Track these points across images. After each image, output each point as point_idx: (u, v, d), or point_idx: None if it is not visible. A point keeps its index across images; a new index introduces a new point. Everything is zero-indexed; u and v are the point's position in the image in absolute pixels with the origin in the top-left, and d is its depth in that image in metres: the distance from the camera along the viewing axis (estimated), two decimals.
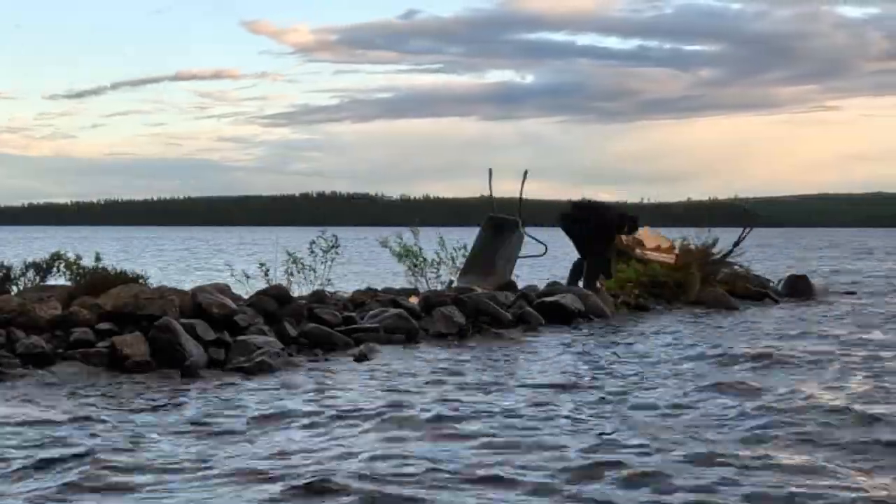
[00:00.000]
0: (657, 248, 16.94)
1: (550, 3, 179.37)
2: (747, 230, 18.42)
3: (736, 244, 17.92)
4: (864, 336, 11.45)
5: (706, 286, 15.88)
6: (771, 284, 17.87)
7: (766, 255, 33.30)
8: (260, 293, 11.23)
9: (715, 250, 17.66)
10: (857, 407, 6.94)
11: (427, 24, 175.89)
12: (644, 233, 17.45)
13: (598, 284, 15.10)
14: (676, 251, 17.04)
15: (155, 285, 10.58)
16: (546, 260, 18.77)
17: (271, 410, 6.98)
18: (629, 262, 15.85)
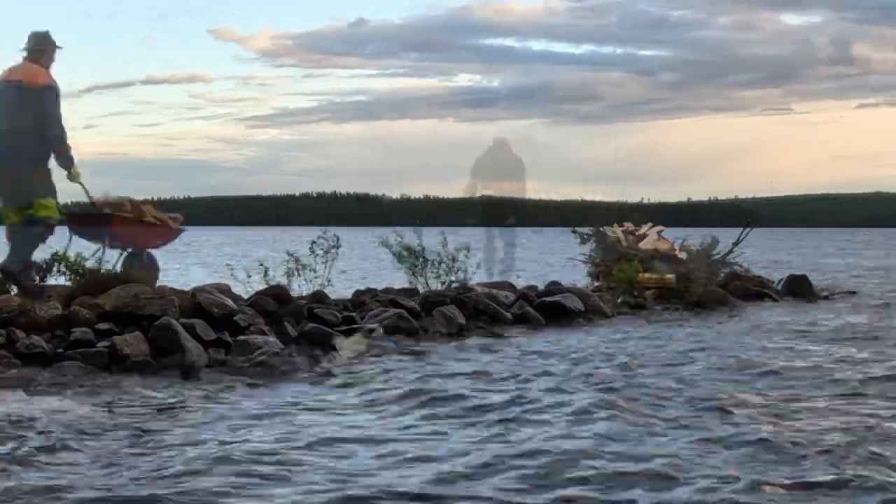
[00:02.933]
0: (655, 251, 16.91)
1: (496, 12, 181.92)
2: (747, 230, 18.42)
3: (735, 244, 17.91)
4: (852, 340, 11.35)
5: (706, 286, 15.87)
6: (771, 284, 17.86)
7: (767, 254, 33.29)
8: (260, 293, 11.24)
9: (715, 251, 17.66)
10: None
11: (380, 31, 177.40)
12: (651, 233, 17.37)
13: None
14: (677, 252, 17.02)
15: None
16: (544, 260, 18.79)
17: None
18: (631, 263, 15.82)
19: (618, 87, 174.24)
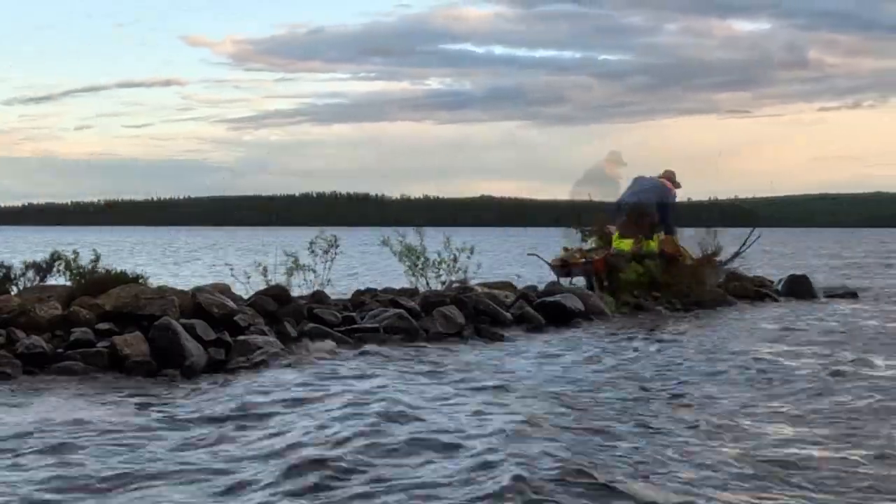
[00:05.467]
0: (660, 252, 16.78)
1: (451, 18, 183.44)
2: (754, 238, 18.22)
3: (736, 255, 17.75)
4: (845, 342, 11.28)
5: (707, 287, 15.82)
6: (771, 284, 17.81)
7: (767, 254, 33.27)
8: (260, 293, 11.25)
9: (719, 256, 17.55)
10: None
11: (339, 37, 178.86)
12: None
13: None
14: (686, 256, 16.90)
15: (155, 285, 10.58)
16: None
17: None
18: (630, 264, 15.77)
19: (587, 91, 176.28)
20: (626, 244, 16.05)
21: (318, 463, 5.34)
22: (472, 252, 14.49)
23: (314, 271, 13.32)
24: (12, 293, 10.34)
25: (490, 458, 5.42)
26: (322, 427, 6.27)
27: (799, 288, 17.51)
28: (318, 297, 11.87)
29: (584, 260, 16.44)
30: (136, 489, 5.06)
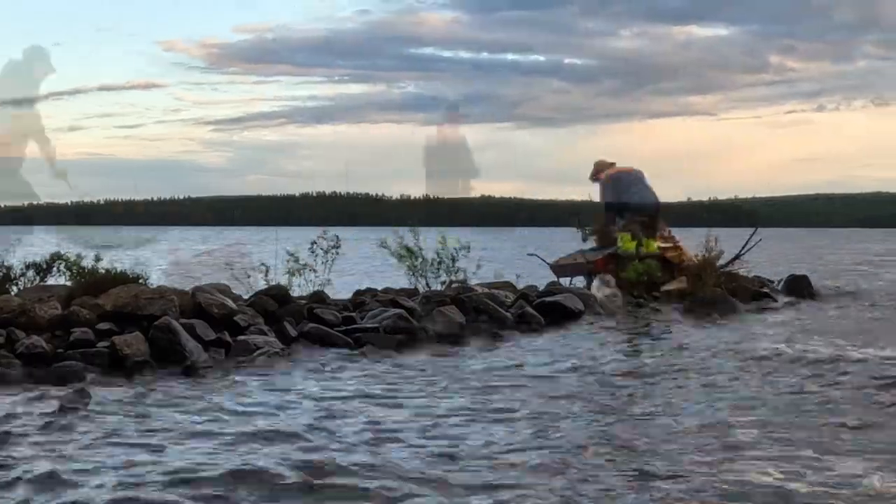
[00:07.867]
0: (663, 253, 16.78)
1: (410, 24, 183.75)
2: (755, 238, 18.16)
3: (737, 256, 17.71)
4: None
5: (707, 287, 15.80)
6: (771, 284, 17.79)
7: (767, 254, 33.26)
8: (260, 293, 11.26)
9: (720, 259, 17.51)
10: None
11: (308, 41, 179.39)
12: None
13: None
14: (685, 258, 16.85)
15: (155, 285, 10.59)
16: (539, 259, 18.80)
17: None
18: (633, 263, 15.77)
19: (561, 93, 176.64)
20: (633, 245, 16.12)
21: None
22: (468, 249, 14.47)
23: (315, 271, 13.33)
24: (12, 293, 10.34)
25: None
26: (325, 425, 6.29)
27: (799, 287, 17.50)
28: (318, 297, 11.88)
29: (583, 261, 16.45)
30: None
